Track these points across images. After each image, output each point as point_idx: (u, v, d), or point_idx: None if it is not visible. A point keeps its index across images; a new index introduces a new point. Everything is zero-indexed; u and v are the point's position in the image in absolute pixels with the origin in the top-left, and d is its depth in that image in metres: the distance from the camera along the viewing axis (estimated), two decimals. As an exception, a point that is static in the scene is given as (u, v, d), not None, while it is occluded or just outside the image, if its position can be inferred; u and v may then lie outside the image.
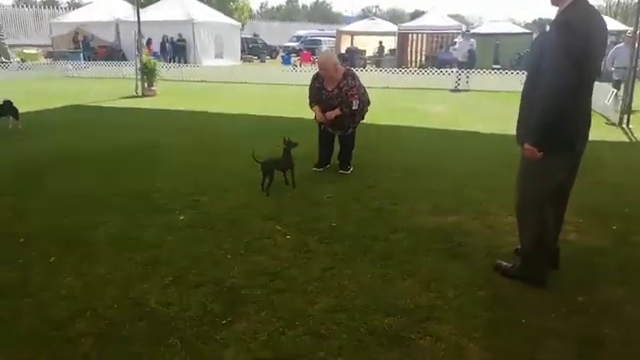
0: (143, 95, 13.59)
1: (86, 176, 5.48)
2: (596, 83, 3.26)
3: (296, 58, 27.72)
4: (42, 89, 14.93)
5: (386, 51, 26.86)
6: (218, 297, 2.93)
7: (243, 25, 38.22)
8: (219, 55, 27.41)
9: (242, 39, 31.97)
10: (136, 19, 13.85)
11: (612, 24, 19.89)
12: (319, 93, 5.47)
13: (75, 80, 18.68)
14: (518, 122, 3.09)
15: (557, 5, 2.85)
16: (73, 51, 24.58)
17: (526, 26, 37.98)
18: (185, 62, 24.01)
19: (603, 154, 6.37)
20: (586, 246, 3.72)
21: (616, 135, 8.35)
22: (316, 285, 3.09)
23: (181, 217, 4.22)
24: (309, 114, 5.89)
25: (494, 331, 2.63)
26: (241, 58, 30.61)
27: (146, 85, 13.85)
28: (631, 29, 11.29)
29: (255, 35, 37.67)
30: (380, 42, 26.73)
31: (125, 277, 3.17)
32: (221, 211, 4.40)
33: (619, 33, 19.00)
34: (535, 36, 24.00)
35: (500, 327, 2.67)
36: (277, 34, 43.68)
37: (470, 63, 17.30)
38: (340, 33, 28.19)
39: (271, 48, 36.68)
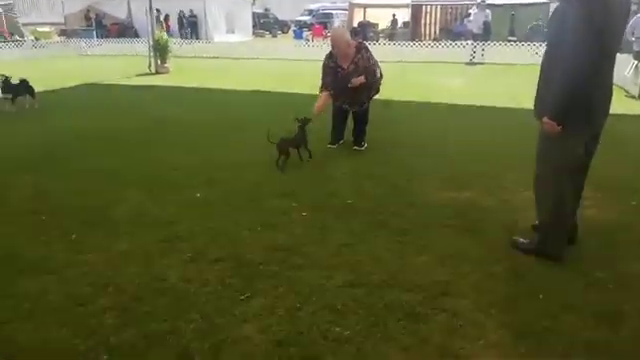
0: (156, 72, 13.61)
1: (104, 154, 5.55)
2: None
3: (308, 32, 27.38)
4: (56, 68, 15.01)
5: (399, 24, 26.37)
6: (236, 273, 2.98)
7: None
8: (230, 30, 27.15)
9: (253, 14, 31.60)
10: (147, -5, 13.77)
11: (634, -8, 19.22)
12: (334, 73, 5.40)
13: (89, 58, 18.74)
14: (536, 95, 3.03)
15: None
16: (86, 29, 24.60)
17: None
18: (197, 38, 23.87)
19: (622, 127, 6.26)
20: (605, 221, 3.69)
21: (636, 108, 8.17)
22: (332, 261, 3.12)
23: (197, 194, 4.27)
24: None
25: (511, 306, 2.64)
26: (253, 33, 30.32)
27: (159, 62, 13.84)
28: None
29: (266, 9, 37.17)
30: (393, 15, 26.23)
31: (146, 253, 3.23)
32: (238, 188, 4.43)
33: (641, 2, 18.38)
34: (553, 6, 23.38)
35: (517, 302, 2.68)
36: (288, 8, 43.02)
37: (485, 35, 16.93)
38: (353, 6, 27.65)
39: (283, 23, 36.24)
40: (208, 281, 2.89)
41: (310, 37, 26.13)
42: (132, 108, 8.54)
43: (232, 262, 3.11)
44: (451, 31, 23.22)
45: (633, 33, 10.48)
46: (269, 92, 10.13)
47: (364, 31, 23.21)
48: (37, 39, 21.71)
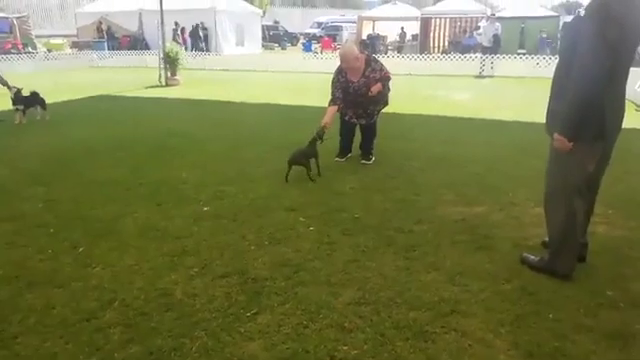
0: (167, 84, 13.73)
1: (113, 166, 5.58)
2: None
3: (317, 45, 27.57)
4: (68, 80, 15.20)
5: (408, 37, 26.49)
6: (243, 288, 2.96)
7: (264, 12, 38.12)
8: (240, 43, 27.41)
9: (263, 26, 31.91)
10: (159, 8, 13.92)
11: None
12: (345, 87, 5.41)
13: (100, 70, 18.96)
14: (547, 111, 3.00)
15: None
16: (97, 41, 24.92)
17: (553, 8, 36.91)
18: (207, 50, 24.11)
19: (634, 143, 6.19)
20: (616, 238, 3.63)
21: (647, 122, 8.07)
22: (340, 277, 3.09)
23: (205, 208, 4.27)
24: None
25: (521, 326, 2.60)
26: (262, 46, 30.57)
27: (169, 74, 13.97)
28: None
29: (276, 22, 37.57)
30: (402, 28, 26.36)
31: (152, 268, 3.23)
32: (245, 202, 4.43)
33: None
34: (563, 20, 23.39)
35: (527, 322, 2.63)
36: (298, 21, 43.49)
37: (495, 48, 16.93)
38: (361, 19, 27.87)
39: (292, 35, 36.56)
40: (214, 297, 2.87)
41: (319, 49, 26.30)
42: (142, 120, 8.60)
43: (238, 277, 3.09)
44: (460, 44, 23.24)
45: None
46: (278, 105, 10.17)
47: (373, 44, 23.37)
48: (49, 51, 22.05)
